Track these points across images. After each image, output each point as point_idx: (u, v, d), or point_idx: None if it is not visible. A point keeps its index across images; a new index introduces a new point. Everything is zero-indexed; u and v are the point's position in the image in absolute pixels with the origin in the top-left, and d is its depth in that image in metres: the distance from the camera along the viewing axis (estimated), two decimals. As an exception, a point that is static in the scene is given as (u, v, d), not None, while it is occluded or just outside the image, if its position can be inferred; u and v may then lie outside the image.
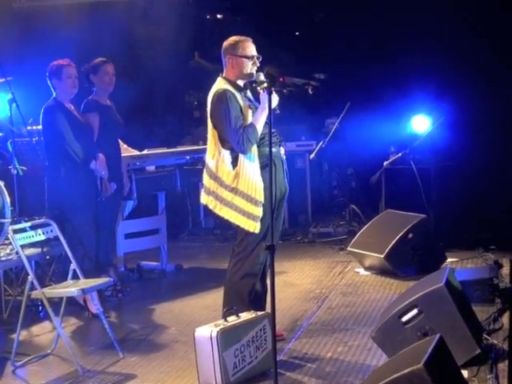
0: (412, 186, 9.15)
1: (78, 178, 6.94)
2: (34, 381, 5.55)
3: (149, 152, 8.41)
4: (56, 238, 6.30)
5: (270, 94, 5.06)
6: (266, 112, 5.53)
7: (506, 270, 7.55)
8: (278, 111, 5.62)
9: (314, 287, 7.74)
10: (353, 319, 6.57)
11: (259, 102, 5.71)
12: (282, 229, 7.27)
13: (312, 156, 9.55)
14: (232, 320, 5.26)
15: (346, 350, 5.80)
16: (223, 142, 5.67)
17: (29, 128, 7.97)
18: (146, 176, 8.38)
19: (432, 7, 9.65)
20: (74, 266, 6.09)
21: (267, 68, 5.92)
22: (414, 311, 5.17)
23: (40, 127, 7.22)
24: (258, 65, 5.77)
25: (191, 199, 10.58)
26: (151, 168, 8.50)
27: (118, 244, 8.14)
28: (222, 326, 5.13)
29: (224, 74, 5.81)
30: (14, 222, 6.79)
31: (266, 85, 5.56)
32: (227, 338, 5.09)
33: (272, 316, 4.70)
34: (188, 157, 8.66)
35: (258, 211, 5.57)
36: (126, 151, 8.04)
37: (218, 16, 12.17)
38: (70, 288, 5.86)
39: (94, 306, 6.57)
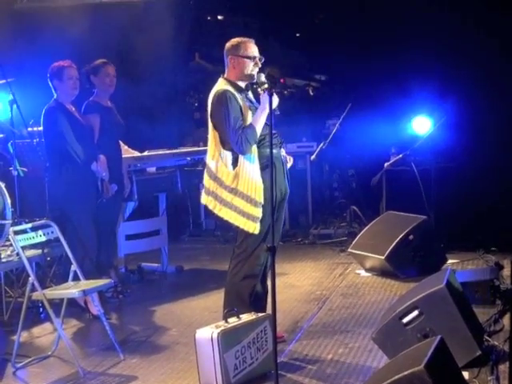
0: (413, 188, 9.15)
1: (78, 180, 6.94)
2: (35, 382, 5.55)
3: (149, 153, 8.41)
4: (57, 240, 6.30)
5: (270, 95, 5.06)
6: (266, 113, 5.55)
7: (506, 272, 7.55)
8: (278, 112, 5.62)
9: (315, 289, 7.74)
10: (353, 321, 6.57)
11: (260, 103, 5.72)
12: (283, 230, 7.25)
13: (313, 157, 9.55)
14: (233, 321, 5.26)
15: (346, 351, 5.80)
16: (224, 142, 5.67)
17: (30, 129, 7.98)
18: (146, 177, 8.38)
19: (433, 8, 9.65)
20: (74, 267, 6.09)
21: (268, 69, 5.92)
22: (415, 313, 5.17)
23: (41, 128, 7.22)
24: (260, 66, 5.78)
25: (192, 200, 10.58)
26: (152, 169, 8.50)
27: (119, 245, 8.14)
28: (222, 328, 5.13)
29: (225, 75, 5.82)
30: (14, 224, 6.77)
31: (266, 86, 5.58)
32: (228, 339, 5.09)
33: (273, 317, 4.70)
34: (189, 158, 8.66)
35: (258, 212, 5.57)
36: (127, 152, 8.04)
37: (219, 17, 12.16)
38: (70, 289, 5.86)
39: (95, 308, 6.57)
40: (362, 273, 8.25)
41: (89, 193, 7.07)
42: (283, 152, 5.88)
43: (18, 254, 6.28)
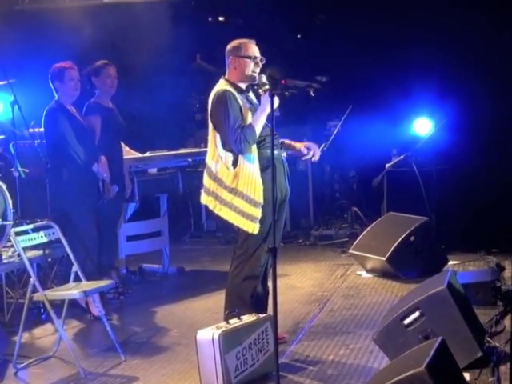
0: (414, 189, 9.15)
1: (79, 181, 6.94)
2: (36, 383, 5.56)
3: (151, 154, 8.41)
4: (58, 241, 6.30)
5: (272, 96, 5.07)
6: (266, 113, 5.57)
7: (508, 273, 7.56)
8: (278, 113, 5.62)
9: (316, 290, 7.74)
10: (354, 322, 6.57)
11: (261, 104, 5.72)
12: (284, 231, 7.27)
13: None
14: (234, 322, 5.26)
15: (347, 352, 5.80)
16: (224, 143, 5.67)
17: (31, 130, 7.97)
18: (147, 178, 8.39)
19: (434, 10, 9.65)
20: (75, 268, 6.09)
21: (269, 71, 5.92)
22: (416, 314, 5.17)
23: (42, 129, 7.22)
24: (260, 66, 5.78)
25: (193, 201, 10.57)
26: (153, 170, 8.51)
27: (120, 246, 8.15)
28: (223, 329, 5.13)
29: (226, 76, 5.83)
30: (15, 225, 6.77)
31: (267, 87, 5.59)
32: (229, 340, 5.09)
33: (274, 318, 4.70)
34: (190, 159, 8.65)
35: (257, 212, 5.58)
36: (128, 153, 8.04)
37: (220, 18, 12.16)
38: (71, 290, 5.86)
39: (96, 309, 6.58)
40: (363, 274, 8.25)
41: (90, 194, 7.07)
42: (284, 153, 5.89)
43: (19, 255, 6.28)
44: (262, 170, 5.64)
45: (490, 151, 9.13)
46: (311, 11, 11.23)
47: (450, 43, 9.57)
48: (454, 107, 9.24)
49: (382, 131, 9.87)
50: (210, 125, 5.76)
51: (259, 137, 5.64)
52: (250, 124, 5.60)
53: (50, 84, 7.05)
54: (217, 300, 6.98)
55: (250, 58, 5.74)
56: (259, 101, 5.80)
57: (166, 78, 11.23)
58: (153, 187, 8.47)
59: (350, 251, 8.49)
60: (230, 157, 5.66)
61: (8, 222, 6.75)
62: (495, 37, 9.12)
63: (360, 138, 10.17)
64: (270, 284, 5.67)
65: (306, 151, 5.98)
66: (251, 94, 5.87)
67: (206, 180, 5.77)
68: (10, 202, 6.84)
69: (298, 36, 11.93)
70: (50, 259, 7.35)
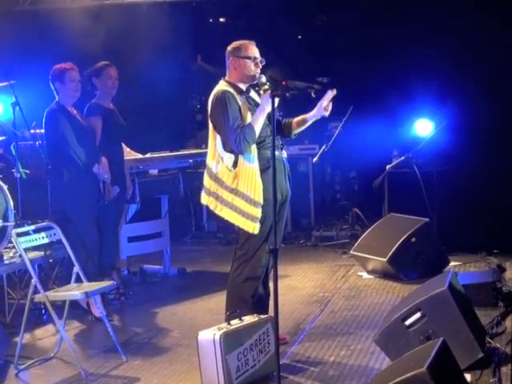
0: (415, 190, 9.14)
1: (80, 182, 6.94)
2: (37, 384, 5.57)
3: (152, 155, 8.43)
4: (59, 242, 6.31)
5: (273, 97, 5.07)
6: (265, 113, 5.58)
7: (509, 274, 7.56)
8: (280, 115, 5.62)
9: (317, 291, 7.74)
10: (356, 323, 6.57)
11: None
12: (285, 232, 7.27)
13: (315, 159, 9.53)
14: (235, 323, 5.26)
15: (348, 353, 5.80)
16: (224, 143, 5.68)
17: (32, 131, 7.99)
18: (148, 179, 8.39)
19: (434, 11, 9.66)
20: (77, 269, 6.10)
21: (270, 72, 5.92)
22: (417, 315, 5.17)
23: (43, 131, 7.22)
24: (260, 67, 5.79)
25: (194, 202, 10.58)
26: (154, 171, 8.51)
27: (121, 247, 8.15)
28: (225, 330, 5.13)
29: (226, 77, 5.84)
30: (17, 226, 6.78)
31: (267, 87, 5.60)
32: (230, 341, 5.09)
33: (275, 319, 4.70)
34: (191, 160, 8.66)
35: (257, 212, 5.58)
36: (129, 154, 8.05)
37: (221, 20, 12.17)
38: (73, 291, 5.87)
39: (97, 310, 6.58)
40: (364, 275, 8.25)
41: (91, 195, 7.07)
42: (284, 154, 5.89)
43: (20, 256, 6.28)
44: (262, 170, 5.64)
45: (491, 152, 9.12)
46: (312, 12, 11.24)
47: (450, 44, 9.57)
48: (454, 108, 9.24)
49: (383, 132, 9.87)
50: (210, 125, 5.77)
51: (259, 137, 5.65)
52: (250, 124, 5.60)
53: (51, 85, 7.05)
54: (218, 301, 6.98)
55: (249, 58, 5.75)
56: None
57: (167, 79, 11.23)
58: (154, 188, 8.47)
59: (351, 252, 8.49)
60: (230, 157, 5.67)
61: (9, 223, 6.76)
62: (495, 38, 9.13)
63: (361, 139, 10.17)
64: (271, 285, 5.67)
65: (317, 112, 5.89)
66: (253, 95, 5.87)
67: (207, 180, 5.78)
68: (11, 203, 6.85)
69: (299, 37, 11.95)
70: (51, 260, 7.34)
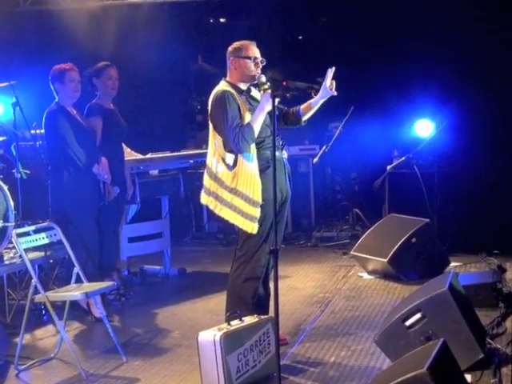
0: (415, 190, 9.14)
1: (80, 182, 6.94)
2: (38, 384, 5.57)
3: (152, 156, 8.43)
4: (59, 242, 6.31)
5: (273, 98, 5.07)
6: (265, 112, 5.60)
7: (509, 275, 7.56)
8: (278, 113, 5.63)
9: (318, 291, 7.74)
10: (356, 323, 6.57)
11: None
12: (285, 233, 7.26)
13: (315, 160, 9.54)
14: (235, 324, 5.26)
15: (349, 354, 5.80)
16: (224, 143, 5.68)
17: (32, 132, 7.98)
18: (149, 180, 8.39)
19: (435, 12, 9.65)
20: (77, 269, 6.10)
21: (271, 72, 5.92)
22: (418, 315, 5.17)
23: (43, 131, 7.22)
24: (261, 67, 5.79)
25: (194, 203, 10.58)
26: (154, 172, 8.51)
27: (122, 248, 8.16)
28: (225, 330, 5.13)
29: (227, 78, 5.84)
30: (17, 226, 6.78)
31: (266, 86, 5.60)
32: (230, 341, 5.09)
33: (276, 320, 4.70)
34: (191, 161, 8.65)
35: (256, 212, 5.58)
36: (130, 155, 8.05)
37: (221, 20, 12.18)
38: (73, 292, 5.86)
39: (98, 310, 6.58)
40: (365, 275, 8.24)
41: (91, 195, 7.07)
42: (285, 154, 5.89)
43: (20, 257, 6.29)
44: (262, 170, 5.64)
45: (492, 153, 9.12)
46: (312, 13, 11.24)
47: (450, 45, 9.57)
48: (455, 109, 9.24)
49: (384, 133, 9.87)
50: (210, 125, 5.78)
51: (259, 137, 5.65)
52: (249, 123, 5.61)
53: (51, 86, 7.04)
54: (218, 301, 6.98)
55: (249, 58, 5.75)
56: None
57: (168, 79, 11.24)
58: (154, 189, 8.47)
59: (352, 253, 8.49)
60: (230, 157, 5.67)
61: (9, 224, 6.76)
62: (496, 38, 9.12)
63: (361, 140, 10.18)
64: (271, 285, 5.67)
65: (323, 93, 5.88)
66: (255, 94, 5.86)
67: (207, 180, 5.78)
68: (11, 203, 6.85)
69: (300, 37, 11.94)
70: (51, 260, 7.35)
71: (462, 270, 8.06)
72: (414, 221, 8.15)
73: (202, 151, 8.66)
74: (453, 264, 8.15)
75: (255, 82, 5.76)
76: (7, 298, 6.96)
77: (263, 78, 5.69)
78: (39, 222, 6.63)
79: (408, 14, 9.82)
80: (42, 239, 6.18)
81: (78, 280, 6.09)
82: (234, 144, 5.56)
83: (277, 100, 5.44)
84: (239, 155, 5.61)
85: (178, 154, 8.74)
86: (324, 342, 6.11)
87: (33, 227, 6.22)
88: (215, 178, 5.72)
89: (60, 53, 8.46)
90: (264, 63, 5.82)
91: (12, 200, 6.88)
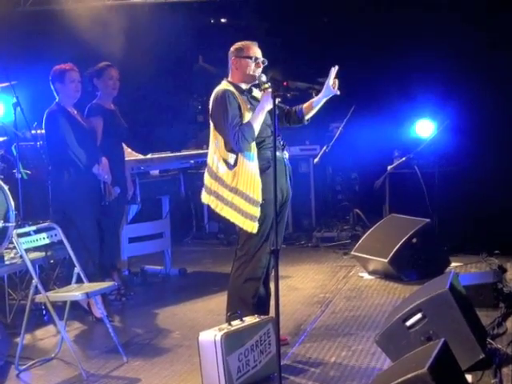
0: (416, 191, 9.15)
1: (81, 183, 6.94)
2: (38, 385, 5.57)
3: (153, 156, 8.43)
4: (60, 242, 6.31)
5: (274, 98, 5.08)
6: (265, 111, 5.60)
7: (510, 275, 7.56)
8: (278, 112, 5.63)
9: (318, 291, 7.74)
10: (357, 323, 6.57)
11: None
12: (286, 233, 7.25)
13: (316, 160, 9.54)
14: (236, 324, 5.26)
15: (349, 354, 5.80)
16: (225, 143, 5.69)
17: (33, 132, 7.98)
18: (149, 180, 8.39)
19: (436, 11, 9.65)
20: (77, 269, 6.10)
21: (271, 72, 5.92)
22: (418, 315, 5.16)
23: (44, 131, 7.22)
24: (262, 67, 5.80)
25: (195, 203, 10.59)
26: (155, 172, 8.51)
27: (122, 248, 8.16)
28: (225, 330, 5.13)
29: (228, 78, 5.85)
30: (18, 226, 6.79)
31: (267, 86, 5.61)
32: (231, 342, 5.09)
33: (276, 320, 4.70)
34: (192, 161, 8.66)
35: (256, 211, 5.58)
36: (130, 155, 8.05)
37: (222, 20, 12.17)
38: (73, 292, 5.86)
39: (98, 310, 6.58)
40: (365, 276, 8.24)
41: (91, 196, 7.06)
42: (286, 154, 5.89)
43: (21, 257, 6.29)
44: (262, 170, 5.65)
45: (493, 153, 9.12)
46: (313, 13, 11.23)
47: (451, 45, 9.56)
48: (456, 109, 9.24)
49: (384, 133, 9.87)
50: (211, 125, 5.79)
51: (259, 137, 5.66)
52: (249, 121, 5.61)
53: (51, 86, 7.05)
54: (219, 302, 6.99)
55: (250, 58, 5.77)
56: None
57: (168, 80, 11.23)
58: (155, 189, 8.47)
59: (352, 253, 8.49)
60: (230, 157, 5.67)
61: (10, 224, 6.76)
62: (497, 38, 9.12)
63: (362, 140, 10.17)
64: (271, 285, 5.67)
65: (326, 92, 5.89)
66: (256, 94, 5.87)
67: (208, 179, 5.79)
68: (12, 203, 6.85)
69: (300, 37, 11.93)
70: (52, 261, 7.36)
71: (463, 270, 8.06)
72: (415, 221, 8.15)
73: (202, 151, 8.66)
74: (453, 264, 8.15)
75: (256, 82, 5.77)
76: (8, 298, 6.96)
77: (264, 78, 5.71)
78: (40, 222, 6.63)
79: (409, 14, 9.81)
80: (43, 239, 6.18)
81: (79, 280, 6.09)
82: (234, 142, 5.57)
83: (277, 99, 5.45)
84: (240, 154, 5.62)
85: (179, 154, 8.74)
86: (325, 342, 6.11)
87: (33, 227, 6.23)
88: (216, 177, 5.73)
89: (60, 53, 8.45)
90: (265, 64, 5.83)
91: (13, 200, 6.89)
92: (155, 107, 11.28)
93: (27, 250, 6.06)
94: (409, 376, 3.92)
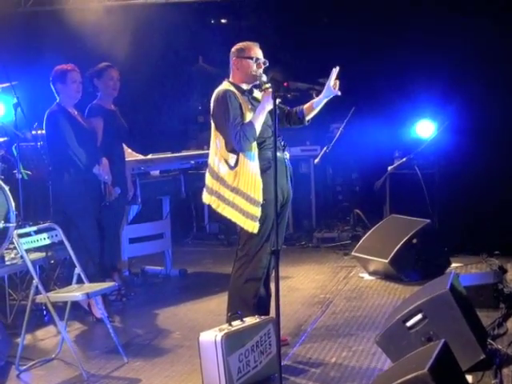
0: (416, 191, 9.15)
1: (81, 183, 6.95)
2: (39, 385, 5.57)
3: (153, 156, 8.43)
4: (60, 243, 6.31)
5: (274, 98, 5.08)
6: (265, 111, 5.61)
7: (510, 275, 7.57)
8: (279, 112, 5.63)
9: (319, 292, 7.74)
10: (357, 324, 6.57)
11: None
12: (287, 234, 7.24)
13: (316, 161, 9.54)
14: (236, 324, 5.26)
15: (350, 354, 5.80)
16: (226, 143, 5.69)
17: (33, 132, 7.98)
18: (150, 180, 8.39)
19: (436, 12, 9.64)
20: (78, 270, 6.10)
21: (272, 73, 5.93)
22: (419, 316, 5.17)
23: (44, 132, 7.22)
24: (263, 68, 5.80)
25: (196, 204, 10.59)
26: (156, 172, 8.51)
27: (123, 248, 8.16)
28: (226, 331, 5.13)
29: (230, 78, 5.86)
30: (18, 227, 6.79)
31: (267, 85, 5.61)
32: (232, 342, 5.09)
33: (277, 320, 4.70)
34: (192, 161, 8.66)
35: (256, 211, 5.59)
36: (131, 156, 8.05)
37: (223, 21, 12.16)
38: (74, 292, 5.86)
39: (99, 311, 6.58)
40: (366, 276, 8.24)
41: (92, 196, 7.07)
42: (287, 155, 5.89)
43: (21, 257, 6.29)
44: (263, 170, 5.65)
45: (493, 153, 9.11)
46: (313, 13, 11.23)
47: (452, 45, 9.55)
48: (456, 109, 9.23)
49: (385, 133, 9.86)
50: (212, 125, 5.80)
51: (260, 137, 5.67)
52: (250, 121, 5.62)
53: (52, 86, 7.05)
54: (219, 302, 6.99)
55: (251, 58, 5.78)
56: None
57: (169, 80, 11.23)
58: (155, 189, 8.47)
59: (353, 253, 8.49)
60: (232, 157, 5.68)
61: (11, 224, 6.75)
62: (498, 38, 9.11)
63: (362, 141, 10.16)
64: (272, 286, 5.67)
65: (326, 93, 5.91)
66: (257, 94, 5.87)
67: (209, 179, 5.79)
68: (12, 204, 6.85)
69: (301, 38, 11.93)
70: (52, 261, 7.36)
71: (463, 270, 8.07)
72: (415, 221, 8.15)
73: (203, 152, 8.66)
74: (454, 265, 8.15)
75: (257, 82, 5.77)
76: (8, 298, 6.96)
77: (264, 78, 5.72)
78: (40, 223, 6.64)
79: (409, 14, 9.81)
80: (43, 240, 6.18)
81: (79, 280, 6.09)
82: (236, 142, 5.57)
83: (278, 100, 5.45)
84: (241, 155, 5.62)
85: (179, 154, 8.74)
86: (325, 342, 6.11)
87: (34, 228, 6.23)
88: (217, 177, 5.74)
89: (61, 53, 8.45)
90: (266, 64, 5.84)
91: (13, 201, 6.88)
92: (155, 107, 11.27)
93: (28, 251, 6.07)
94: (409, 377, 3.92)
